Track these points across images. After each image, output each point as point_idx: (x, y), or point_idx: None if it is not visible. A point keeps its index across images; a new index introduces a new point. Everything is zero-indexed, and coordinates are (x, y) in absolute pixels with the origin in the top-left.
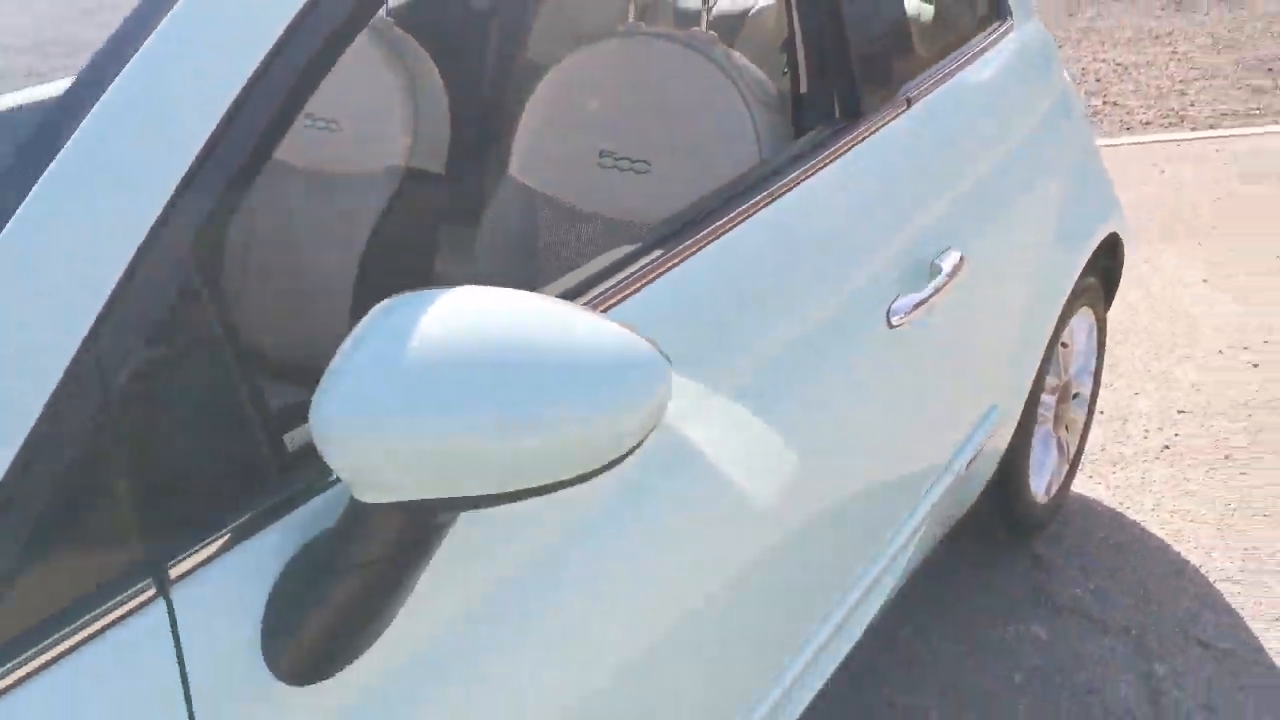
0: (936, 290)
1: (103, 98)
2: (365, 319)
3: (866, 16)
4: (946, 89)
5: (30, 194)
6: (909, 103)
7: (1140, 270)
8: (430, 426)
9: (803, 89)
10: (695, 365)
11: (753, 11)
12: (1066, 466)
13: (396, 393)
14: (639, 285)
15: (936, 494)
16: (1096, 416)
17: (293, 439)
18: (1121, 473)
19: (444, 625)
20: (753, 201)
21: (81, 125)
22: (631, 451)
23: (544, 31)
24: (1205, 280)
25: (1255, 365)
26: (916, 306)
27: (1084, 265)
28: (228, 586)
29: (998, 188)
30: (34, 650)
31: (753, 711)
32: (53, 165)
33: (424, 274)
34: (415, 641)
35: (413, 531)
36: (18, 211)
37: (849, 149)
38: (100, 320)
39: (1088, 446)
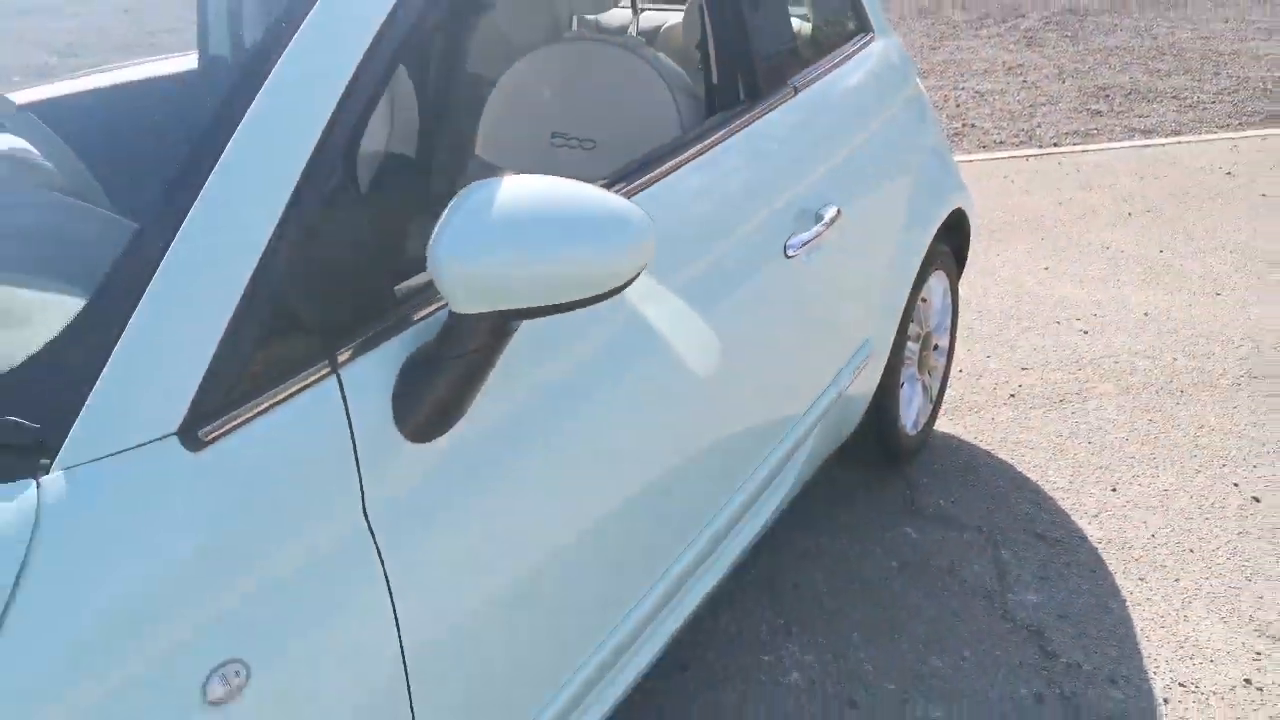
0: (818, 234)
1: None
2: (458, 196)
3: (762, 25)
4: (825, 81)
5: (240, 128)
6: (795, 90)
7: (993, 261)
8: (502, 259)
9: (714, 80)
10: (646, 275)
11: (664, 28)
12: (930, 406)
13: (480, 240)
14: None
15: (824, 403)
16: (955, 375)
17: (398, 290)
18: (975, 416)
19: (506, 407)
20: (677, 160)
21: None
22: (634, 279)
23: (485, 45)
24: (1047, 268)
25: (1085, 332)
26: (805, 244)
27: (935, 231)
28: (370, 373)
29: (865, 160)
30: (269, 397)
31: (692, 549)
32: (253, 106)
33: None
34: (487, 417)
35: (488, 334)
36: (233, 140)
37: (750, 124)
38: (290, 205)
39: (947, 398)
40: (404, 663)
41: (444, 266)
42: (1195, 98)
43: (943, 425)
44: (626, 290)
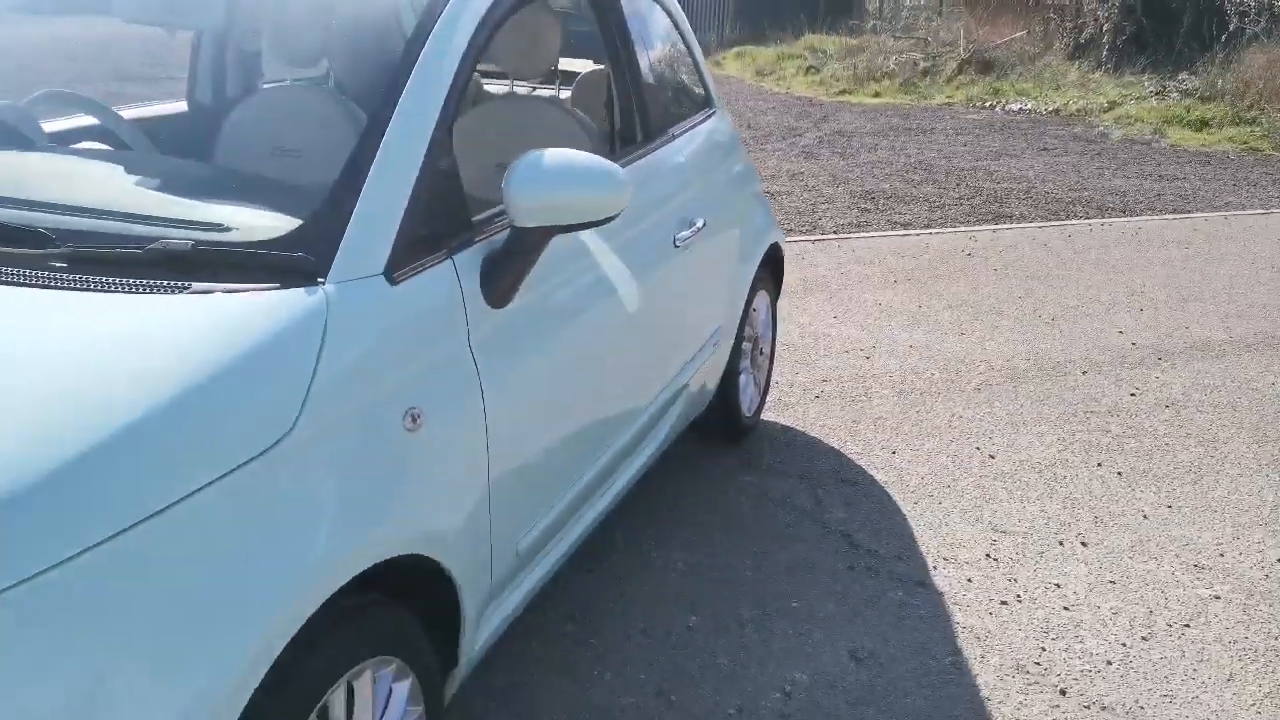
0: (693, 233)
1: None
2: (521, 157)
3: (649, 90)
4: (690, 133)
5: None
6: (673, 137)
7: (793, 313)
8: (547, 195)
9: (618, 125)
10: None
11: (579, 78)
12: (759, 397)
13: (534, 184)
14: None
15: (696, 365)
16: (771, 386)
17: (475, 219)
18: (790, 410)
19: (546, 288)
20: None
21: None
22: (619, 213)
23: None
24: (835, 317)
25: (867, 358)
26: (685, 239)
27: (764, 252)
28: (467, 262)
29: (718, 191)
30: (421, 265)
31: (627, 432)
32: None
33: None
34: (536, 294)
35: (536, 240)
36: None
37: (645, 157)
38: (424, 165)
39: (768, 399)
40: (485, 427)
41: (512, 199)
42: (941, 201)
43: (767, 416)
44: (596, 243)
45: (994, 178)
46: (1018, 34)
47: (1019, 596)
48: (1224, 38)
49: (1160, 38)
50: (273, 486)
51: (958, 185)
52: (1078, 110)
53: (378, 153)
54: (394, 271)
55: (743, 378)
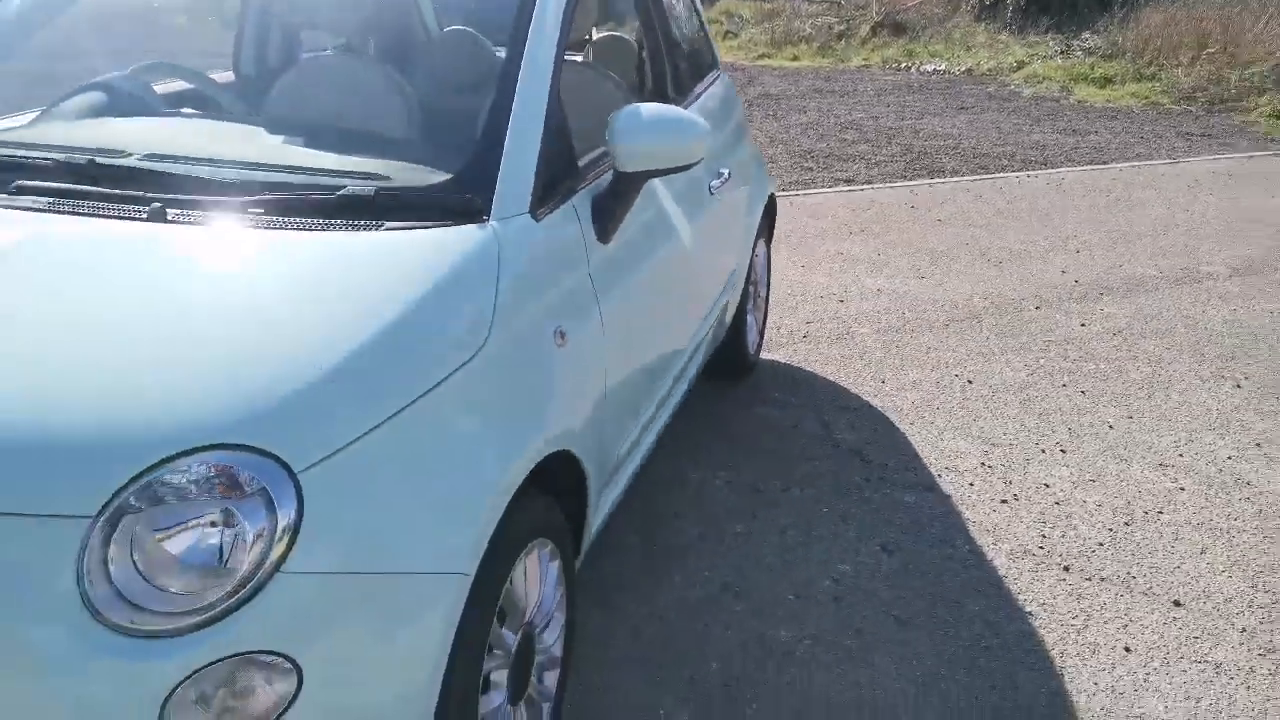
0: (722, 182)
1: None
2: (621, 110)
3: (679, 53)
4: (709, 91)
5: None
6: (698, 96)
7: None
8: (646, 143)
9: (649, 85)
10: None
11: (595, 39)
12: (758, 338)
13: (634, 133)
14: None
15: (719, 306)
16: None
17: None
18: (783, 350)
19: (629, 227)
20: None
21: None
22: (701, 159)
23: None
24: (804, 267)
25: (841, 301)
26: (716, 188)
27: (765, 201)
28: (582, 202)
29: (731, 145)
30: (551, 206)
31: (681, 361)
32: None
33: None
34: (630, 229)
35: (636, 183)
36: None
37: None
38: (546, 120)
39: (763, 341)
40: (604, 345)
41: (617, 147)
42: (876, 158)
43: (764, 356)
44: (660, 189)
45: (921, 136)
46: None
47: (1015, 496)
48: (1117, 2)
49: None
50: (478, 388)
51: (889, 143)
52: (989, 70)
53: (513, 109)
54: (535, 211)
55: (749, 317)
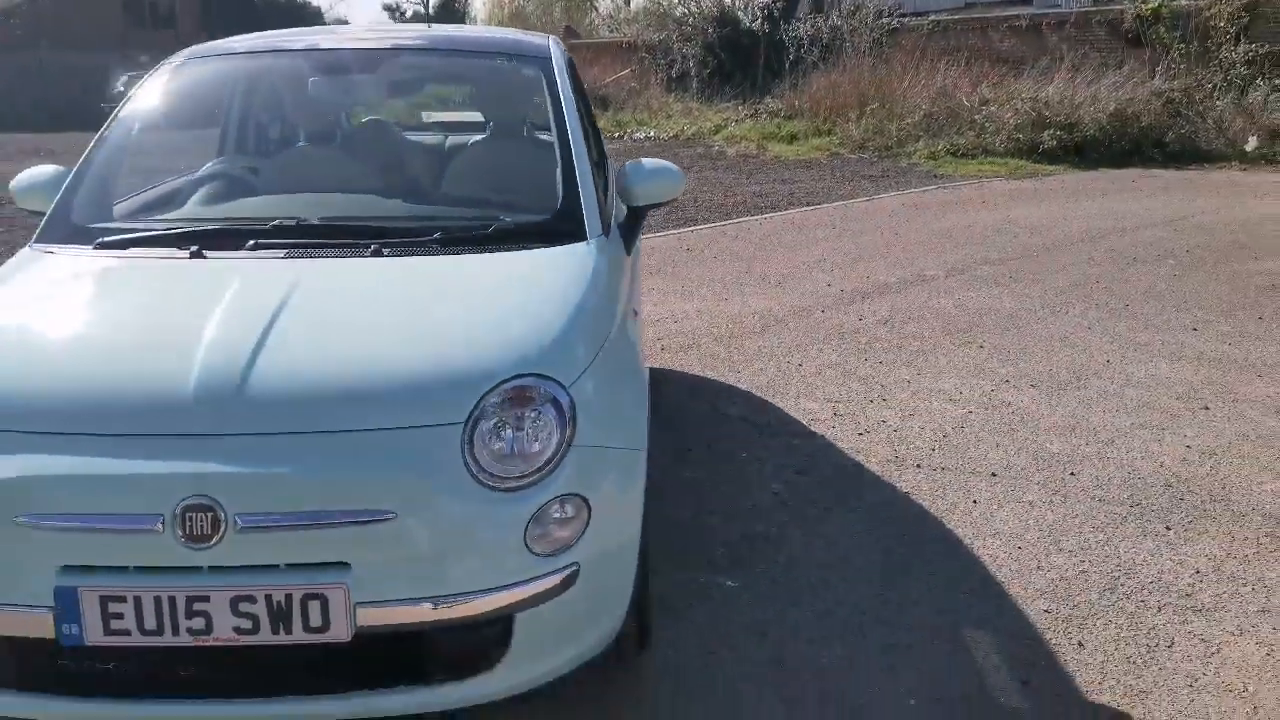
0: None
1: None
2: (628, 163)
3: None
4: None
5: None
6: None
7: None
8: (645, 186)
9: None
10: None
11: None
12: None
13: (636, 179)
14: None
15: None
16: None
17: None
18: (651, 359)
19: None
20: None
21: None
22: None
23: None
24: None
25: (676, 322)
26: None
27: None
28: (615, 230)
29: None
30: (603, 231)
31: None
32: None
33: None
34: (633, 250)
35: (643, 214)
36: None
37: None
38: (589, 152)
39: None
40: (639, 318)
41: (628, 189)
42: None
43: None
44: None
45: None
46: (624, 72)
47: (866, 431)
48: (788, 66)
49: (740, 70)
50: (625, 333)
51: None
52: (693, 134)
53: (576, 170)
54: (603, 234)
55: None
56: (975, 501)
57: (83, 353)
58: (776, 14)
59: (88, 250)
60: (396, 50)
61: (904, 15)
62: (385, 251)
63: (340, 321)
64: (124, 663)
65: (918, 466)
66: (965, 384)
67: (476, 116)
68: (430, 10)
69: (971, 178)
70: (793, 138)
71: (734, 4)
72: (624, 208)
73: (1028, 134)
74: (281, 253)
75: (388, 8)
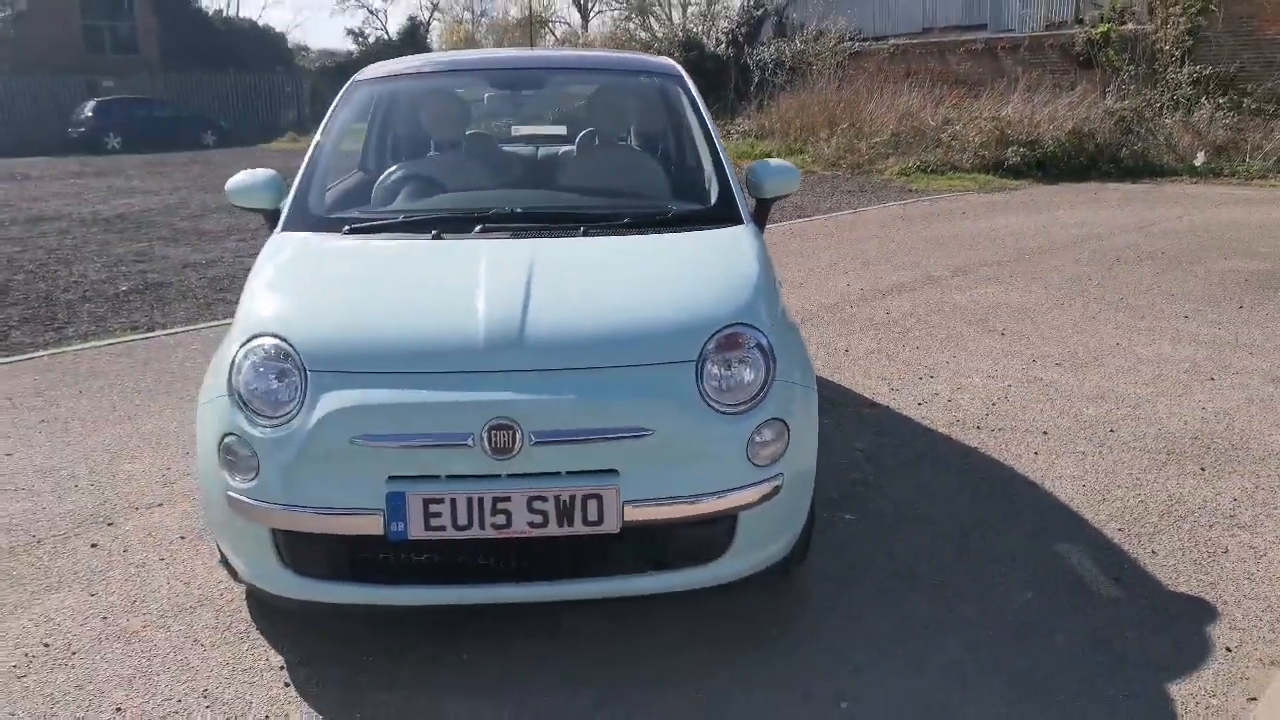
0: None
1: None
2: (755, 162)
3: None
4: None
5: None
6: None
7: None
8: (770, 182)
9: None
10: None
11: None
12: None
13: (764, 177)
14: None
15: None
16: None
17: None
18: None
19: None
20: None
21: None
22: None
23: None
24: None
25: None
26: None
27: None
28: (749, 219)
29: None
30: (750, 219)
31: None
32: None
33: None
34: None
35: (768, 205)
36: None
37: None
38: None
39: None
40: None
41: (757, 184)
42: None
43: None
44: None
45: None
46: None
47: (922, 402)
48: (753, 89)
49: (711, 92)
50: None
51: None
52: None
53: (724, 165)
54: (746, 223)
55: None
56: (1036, 453)
57: (388, 309)
58: (741, 39)
59: (336, 235)
60: (554, 70)
61: (864, 39)
62: (592, 232)
63: (581, 283)
64: (432, 554)
65: (978, 428)
66: (998, 364)
67: (561, 130)
68: (392, 36)
69: (944, 192)
70: (766, 156)
71: (700, 30)
72: (752, 200)
73: (992, 151)
74: (508, 234)
75: (351, 32)
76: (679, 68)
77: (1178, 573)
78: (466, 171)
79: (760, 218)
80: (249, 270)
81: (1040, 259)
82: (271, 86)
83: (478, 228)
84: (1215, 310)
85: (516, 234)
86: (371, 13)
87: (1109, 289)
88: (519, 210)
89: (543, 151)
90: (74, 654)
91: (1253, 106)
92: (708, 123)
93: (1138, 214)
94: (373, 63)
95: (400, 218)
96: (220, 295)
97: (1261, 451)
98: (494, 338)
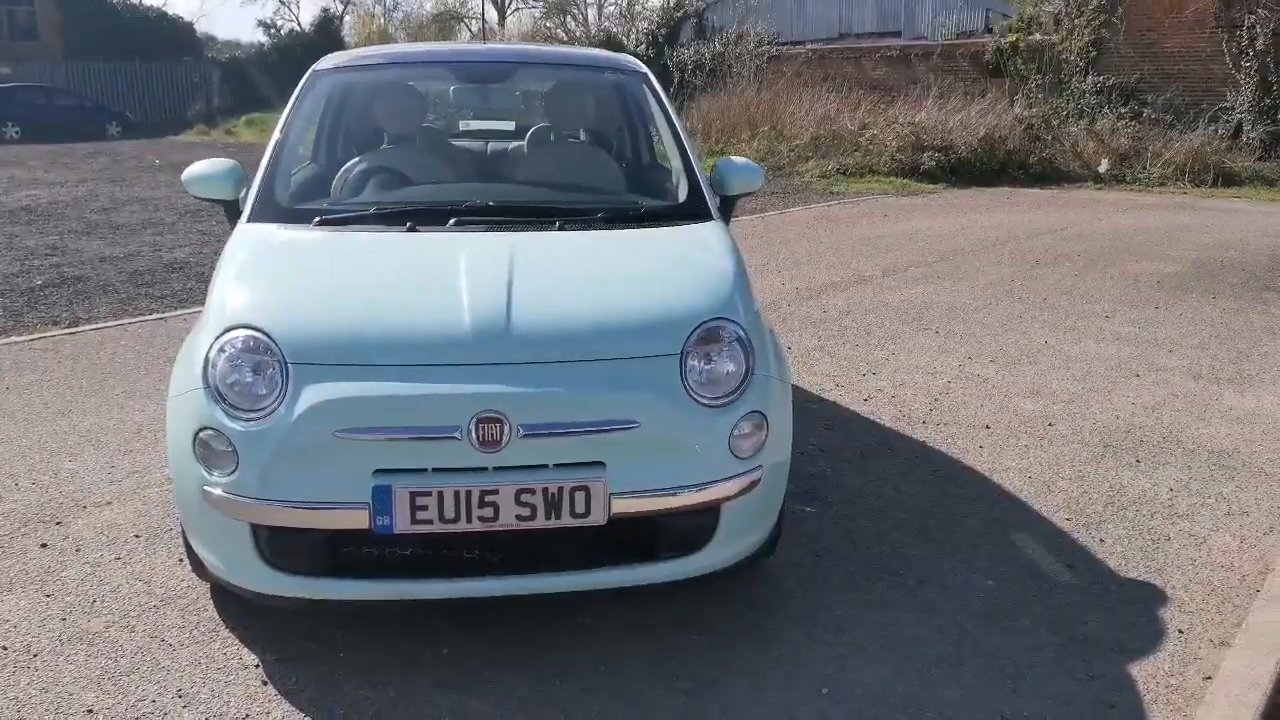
0: None
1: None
2: (722, 160)
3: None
4: None
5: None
6: None
7: None
8: (733, 179)
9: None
10: None
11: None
12: None
13: (728, 174)
14: None
15: None
16: None
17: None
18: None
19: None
20: None
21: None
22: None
23: None
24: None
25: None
26: None
27: None
28: (717, 215)
29: None
30: (722, 218)
31: None
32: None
33: None
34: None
35: (732, 202)
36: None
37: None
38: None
39: None
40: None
41: (721, 180)
42: None
43: None
44: None
45: None
46: None
47: (868, 397)
48: (673, 90)
49: None
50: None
51: None
52: None
53: (693, 165)
54: (720, 221)
55: None
56: (981, 447)
57: (370, 302)
58: (661, 39)
59: (305, 227)
60: (521, 64)
61: (783, 43)
62: (568, 226)
63: (563, 277)
64: (417, 548)
65: (924, 423)
66: (936, 361)
67: (509, 125)
68: (304, 28)
69: (864, 194)
70: None
71: (619, 30)
72: (716, 197)
73: (909, 155)
74: (483, 228)
75: (263, 23)
76: (644, 66)
77: (1126, 559)
78: (430, 165)
79: (725, 214)
80: (170, 264)
81: (963, 259)
82: (179, 77)
83: (452, 220)
84: (1133, 310)
85: (492, 228)
86: (283, 3)
87: (1032, 289)
88: (492, 204)
89: (492, 146)
90: (35, 656)
91: (1152, 116)
92: (675, 121)
93: (1050, 218)
94: (287, 54)
95: (372, 210)
96: (143, 290)
97: (1191, 444)
98: (481, 330)
